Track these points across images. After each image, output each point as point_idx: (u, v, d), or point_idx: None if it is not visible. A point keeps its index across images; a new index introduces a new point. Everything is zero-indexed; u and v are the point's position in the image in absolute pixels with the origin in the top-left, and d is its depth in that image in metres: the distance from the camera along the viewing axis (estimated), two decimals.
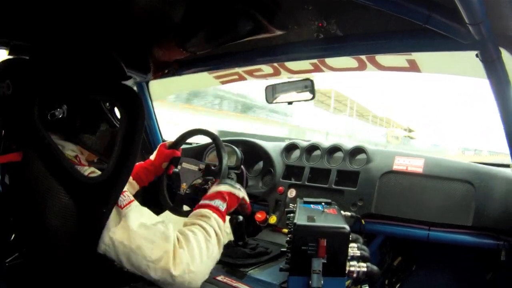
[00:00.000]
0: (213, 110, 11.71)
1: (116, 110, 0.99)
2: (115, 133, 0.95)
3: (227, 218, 1.15)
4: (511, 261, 1.25)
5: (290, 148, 1.80)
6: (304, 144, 1.77)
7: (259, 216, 1.61)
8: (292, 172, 1.73)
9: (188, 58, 1.48)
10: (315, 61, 1.49)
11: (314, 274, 0.90)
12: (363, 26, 1.15)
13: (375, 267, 1.01)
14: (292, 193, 1.65)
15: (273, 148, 1.82)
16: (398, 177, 1.45)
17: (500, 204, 1.27)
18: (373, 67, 1.45)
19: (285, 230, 1.49)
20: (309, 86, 1.53)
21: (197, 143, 2.06)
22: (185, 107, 9.77)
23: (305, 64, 1.56)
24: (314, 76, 1.68)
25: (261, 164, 1.85)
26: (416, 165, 1.44)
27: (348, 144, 1.67)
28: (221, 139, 1.31)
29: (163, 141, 1.98)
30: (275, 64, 1.59)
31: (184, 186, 1.33)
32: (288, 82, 1.60)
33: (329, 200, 1.24)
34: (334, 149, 1.67)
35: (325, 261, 0.93)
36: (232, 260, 1.19)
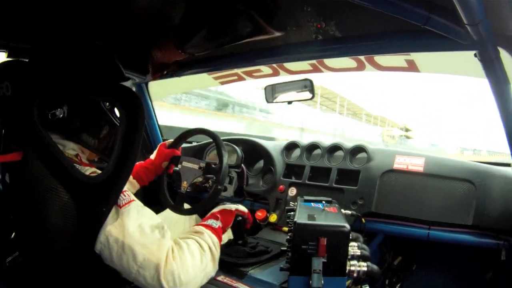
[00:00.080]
0: (184, 107, 11.68)
1: (116, 110, 1.00)
2: (115, 133, 0.95)
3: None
4: (511, 261, 1.25)
5: (291, 147, 1.81)
6: (305, 143, 1.77)
7: (260, 214, 1.62)
8: (292, 171, 1.73)
9: (187, 59, 1.48)
10: (314, 61, 1.49)
11: (314, 274, 0.90)
12: (362, 27, 1.15)
13: (375, 267, 1.01)
14: (292, 191, 1.66)
15: (274, 147, 1.83)
16: (399, 176, 1.45)
17: (500, 203, 1.27)
18: (372, 67, 1.45)
19: (286, 229, 1.50)
20: (308, 86, 1.53)
21: (197, 142, 2.07)
22: (155, 103, 9.72)
23: (304, 65, 1.56)
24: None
25: (261, 163, 1.86)
26: (416, 164, 1.44)
27: (349, 143, 1.68)
28: (221, 138, 1.32)
29: (163, 140, 1.99)
30: (274, 65, 1.59)
31: (185, 184, 1.33)
32: (288, 82, 1.61)
33: (330, 199, 1.24)
34: (335, 148, 1.67)
35: (325, 260, 0.93)
36: (232, 259, 1.19)
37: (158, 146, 1.42)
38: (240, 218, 1.21)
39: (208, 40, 1.20)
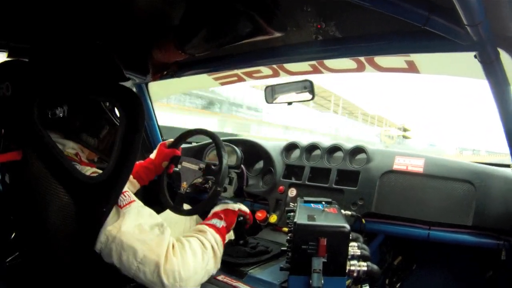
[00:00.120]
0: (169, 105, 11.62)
1: (116, 110, 1.00)
2: (115, 133, 0.95)
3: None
4: (511, 261, 1.25)
5: (290, 147, 1.81)
6: (304, 143, 1.78)
7: (260, 215, 1.62)
8: (292, 172, 1.73)
9: (187, 60, 1.48)
10: (314, 62, 1.50)
11: (314, 273, 0.91)
12: (362, 28, 1.15)
13: (375, 267, 1.01)
14: (292, 192, 1.66)
15: (273, 148, 1.83)
16: (398, 177, 1.46)
17: (500, 204, 1.28)
18: (372, 68, 1.45)
19: (286, 229, 1.50)
20: (308, 87, 1.53)
21: (196, 143, 2.07)
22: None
23: (304, 66, 1.56)
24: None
25: (261, 163, 1.86)
26: (416, 165, 1.44)
27: (348, 144, 1.68)
28: (221, 138, 1.32)
29: (163, 140, 1.99)
30: (274, 66, 1.60)
31: (184, 185, 1.33)
32: (288, 83, 1.61)
33: (330, 199, 1.24)
34: (334, 148, 1.67)
35: (326, 260, 0.93)
36: (233, 259, 1.20)
37: (158, 145, 1.42)
38: (241, 218, 1.21)
39: (208, 41, 1.20)
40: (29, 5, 0.97)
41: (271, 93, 1.65)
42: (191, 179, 1.33)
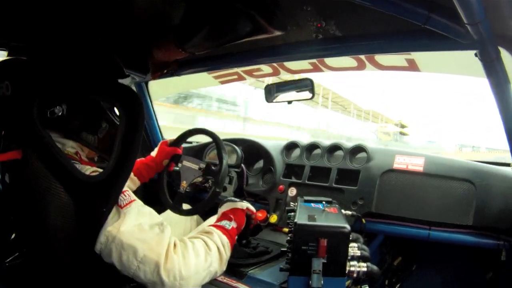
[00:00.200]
0: None
1: (116, 109, 0.99)
2: (115, 131, 0.95)
3: None
4: (511, 261, 1.25)
5: (290, 147, 1.81)
6: (304, 142, 1.77)
7: (260, 215, 1.61)
8: (292, 171, 1.73)
9: (188, 58, 1.47)
10: (314, 60, 1.49)
11: (314, 274, 0.90)
12: (362, 27, 1.14)
13: (375, 267, 1.01)
14: (292, 191, 1.65)
15: (273, 147, 1.82)
16: (399, 176, 1.45)
17: (500, 203, 1.27)
18: (372, 66, 1.44)
19: (286, 230, 1.49)
20: (308, 85, 1.53)
21: (197, 142, 2.07)
22: None
23: (304, 64, 1.55)
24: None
25: (261, 162, 1.86)
26: (416, 164, 1.44)
27: (348, 143, 1.68)
28: (221, 138, 1.32)
29: (163, 139, 1.99)
30: (275, 64, 1.59)
31: (184, 184, 1.33)
32: (288, 81, 1.60)
33: (330, 199, 1.24)
34: (335, 147, 1.67)
35: (325, 261, 0.93)
36: (233, 259, 1.19)
37: (159, 143, 1.42)
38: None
39: (209, 39, 1.19)
40: (29, 4, 0.97)
41: (271, 92, 1.64)
42: (191, 179, 1.33)
